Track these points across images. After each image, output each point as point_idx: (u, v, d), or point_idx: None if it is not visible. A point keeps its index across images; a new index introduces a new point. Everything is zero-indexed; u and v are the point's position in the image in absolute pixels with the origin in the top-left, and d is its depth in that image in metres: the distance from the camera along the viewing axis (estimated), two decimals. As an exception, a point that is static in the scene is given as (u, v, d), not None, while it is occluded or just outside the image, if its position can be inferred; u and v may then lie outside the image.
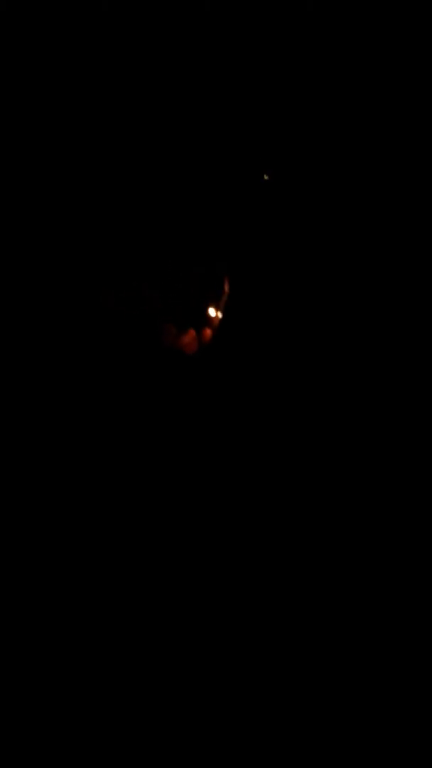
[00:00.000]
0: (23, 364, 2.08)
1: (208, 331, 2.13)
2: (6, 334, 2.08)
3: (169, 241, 2.15)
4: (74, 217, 2.13)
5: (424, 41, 2.13)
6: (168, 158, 2.16)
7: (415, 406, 2.12)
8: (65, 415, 2.07)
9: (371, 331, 2.15)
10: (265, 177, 2.14)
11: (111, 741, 1.92)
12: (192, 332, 2.12)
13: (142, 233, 2.15)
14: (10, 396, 2.07)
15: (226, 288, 2.14)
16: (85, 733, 1.92)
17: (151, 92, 2.15)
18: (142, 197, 2.16)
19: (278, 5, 2.13)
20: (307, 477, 2.09)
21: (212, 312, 2.13)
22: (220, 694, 1.96)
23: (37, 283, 2.10)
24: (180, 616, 2.00)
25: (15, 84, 2.12)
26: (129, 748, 1.91)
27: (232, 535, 2.06)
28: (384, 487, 2.09)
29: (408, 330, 2.16)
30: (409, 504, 2.08)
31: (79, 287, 2.11)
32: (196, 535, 2.05)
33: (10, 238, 2.11)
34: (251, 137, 2.17)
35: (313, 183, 2.18)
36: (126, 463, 2.06)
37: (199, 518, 2.05)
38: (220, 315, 2.14)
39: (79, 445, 2.07)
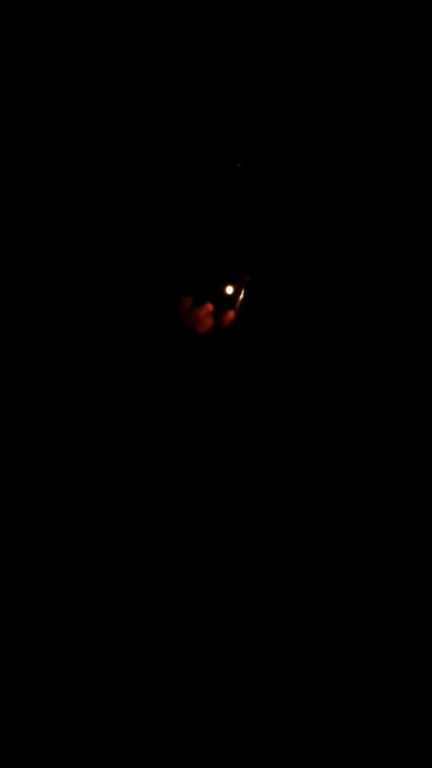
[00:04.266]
0: (24, 363, 2.09)
1: (231, 314, 2.01)
2: (6, 334, 2.09)
3: (169, 241, 2.16)
4: (74, 217, 2.13)
5: (424, 41, 2.13)
6: (170, 158, 2.16)
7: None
8: (66, 412, 2.08)
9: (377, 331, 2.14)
10: (238, 165, 2.06)
11: (111, 741, 1.92)
12: (209, 306, 2.00)
13: (143, 233, 2.15)
14: (11, 395, 2.08)
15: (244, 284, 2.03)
16: (85, 733, 1.92)
17: (151, 92, 2.16)
18: (143, 198, 2.16)
19: (278, 5, 2.14)
20: (307, 474, 2.09)
21: (229, 290, 1.99)
22: (220, 693, 1.96)
23: (37, 283, 2.11)
24: (180, 615, 2.01)
25: (15, 85, 2.13)
26: (129, 748, 1.92)
27: (232, 531, 2.06)
28: (384, 487, 2.10)
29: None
30: (409, 504, 2.08)
31: (83, 287, 2.12)
32: (196, 530, 2.05)
33: (10, 238, 2.12)
34: (252, 135, 2.17)
35: (314, 184, 2.18)
36: (126, 455, 2.06)
37: (199, 511, 2.05)
38: (240, 295, 2.00)
39: (81, 440, 2.07)
